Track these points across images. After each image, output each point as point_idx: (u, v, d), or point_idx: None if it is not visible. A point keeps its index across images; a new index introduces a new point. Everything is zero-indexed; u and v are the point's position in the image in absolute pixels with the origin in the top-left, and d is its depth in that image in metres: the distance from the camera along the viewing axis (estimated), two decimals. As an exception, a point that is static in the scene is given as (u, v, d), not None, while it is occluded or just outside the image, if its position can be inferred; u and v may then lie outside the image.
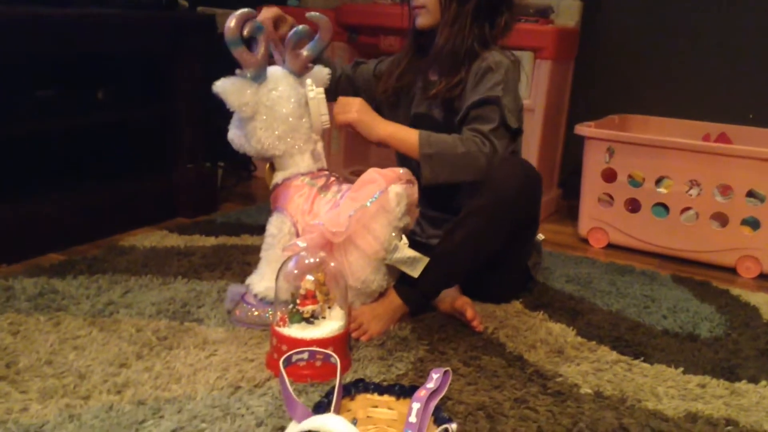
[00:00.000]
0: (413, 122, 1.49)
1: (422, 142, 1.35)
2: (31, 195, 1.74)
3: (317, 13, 1.39)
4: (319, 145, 1.41)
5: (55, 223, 1.73)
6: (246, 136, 1.35)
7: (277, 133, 1.34)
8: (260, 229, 1.91)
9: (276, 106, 1.33)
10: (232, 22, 1.25)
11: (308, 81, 1.37)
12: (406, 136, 1.38)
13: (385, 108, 1.56)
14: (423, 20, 1.46)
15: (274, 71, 1.36)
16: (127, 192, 1.93)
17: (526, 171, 1.40)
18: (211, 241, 1.83)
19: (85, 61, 1.93)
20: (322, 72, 1.41)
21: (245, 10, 1.27)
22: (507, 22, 1.47)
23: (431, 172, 1.34)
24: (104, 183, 1.92)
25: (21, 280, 1.47)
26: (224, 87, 1.29)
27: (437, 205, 1.55)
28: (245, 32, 1.28)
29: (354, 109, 1.38)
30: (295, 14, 1.38)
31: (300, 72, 1.38)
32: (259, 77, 1.32)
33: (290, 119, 1.34)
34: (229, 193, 2.37)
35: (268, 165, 1.41)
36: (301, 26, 1.37)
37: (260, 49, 1.31)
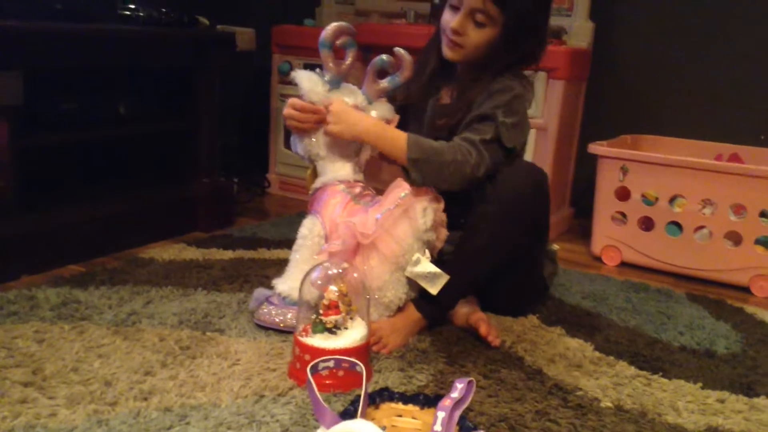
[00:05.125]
0: None
1: (410, 146, 1.34)
2: (51, 207, 1.76)
3: (403, 51, 1.43)
4: (363, 157, 1.46)
5: (74, 235, 1.75)
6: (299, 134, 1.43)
7: (327, 139, 1.41)
8: (277, 244, 1.95)
9: None
10: (330, 29, 1.37)
11: (373, 113, 1.42)
12: (394, 138, 1.36)
13: (413, 120, 1.56)
14: (454, 55, 1.43)
15: (349, 87, 1.44)
16: (145, 205, 1.95)
17: (531, 171, 1.42)
18: (228, 254, 1.85)
19: (108, 76, 1.96)
20: (388, 108, 1.46)
21: (345, 24, 1.40)
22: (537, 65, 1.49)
23: (418, 176, 1.33)
24: (122, 196, 1.94)
25: (44, 290, 1.49)
26: (302, 75, 1.40)
27: (452, 224, 1.55)
28: (337, 42, 1.39)
29: (328, 120, 1.38)
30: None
31: (373, 98, 1.45)
32: (335, 84, 1.41)
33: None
34: (243, 209, 2.39)
35: (309, 170, 1.48)
36: (386, 56, 1.43)
37: (346, 62, 1.42)
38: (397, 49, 1.44)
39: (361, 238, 1.29)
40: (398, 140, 1.36)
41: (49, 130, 1.75)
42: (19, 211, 1.63)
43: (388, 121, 1.43)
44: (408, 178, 1.34)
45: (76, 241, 1.75)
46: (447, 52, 1.44)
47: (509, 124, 1.38)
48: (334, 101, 1.39)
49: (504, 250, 1.40)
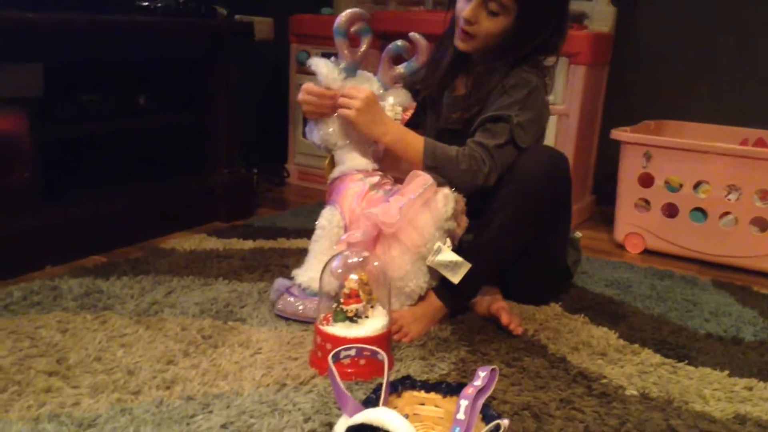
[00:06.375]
0: (443, 136, 1.48)
1: (427, 153, 1.36)
2: (73, 198, 1.77)
3: (418, 36, 1.42)
4: (380, 147, 1.45)
5: (96, 226, 1.76)
6: (316, 122, 1.42)
7: (345, 128, 1.40)
8: (296, 233, 1.95)
9: None
10: (344, 16, 1.36)
11: (390, 99, 1.41)
12: (412, 144, 1.38)
13: (429, 110, 1.55)
14: (466, 46, 1.42)
15: (365, 75, 1.43)
16: (165, 196, 1.96)
17: (551, 154, 1.41)
18: (248, 244, 1.85)
19: (128, 67, 1.97)
20: (406, 95, 1.45)
21: (359, 10, 1.38)
22: (557, 58, 1.47)
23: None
24: (143, 187, 1.95)
25: (67, 280, 1.50)
26: (318, 63, 1.40)
27: (472, 213, 1.54)
28: (352, 29, 1.38)
29: (356, 105, 1.35)
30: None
31: (388, 85, 1.44)
32: (350, 72, 1.40)
33: None
34: (262, 199, 2.39)
35: (327, 160, 1.46)
36: (401, 41, 1.42)
37: (361, 49, 1.40)
38: (412, 34, 1.42)
39: (384, 228, 1.28)
40: (415, 146, 1.37)
41: (69, 122, 1.76)
42: (42, 202, 1.64)
43: (405, 109, 1.42)
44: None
45: (98, 232, 1.76)
46: (459, 44, 1.42)
47: (524, 122, 1.37)
48: (365, 90, 1.37)
49: (524, 233, 1.38)
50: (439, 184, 1.32)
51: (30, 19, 1.52)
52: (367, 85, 1.40)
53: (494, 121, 1.37)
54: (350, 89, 1.37)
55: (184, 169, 2.11)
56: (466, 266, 1.31)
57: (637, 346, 1.35)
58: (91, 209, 1.76)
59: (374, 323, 1.21)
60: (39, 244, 1.62)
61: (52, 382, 1.09)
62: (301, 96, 1.41)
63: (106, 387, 1.09)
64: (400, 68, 1.44)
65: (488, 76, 1.41)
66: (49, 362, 1.15)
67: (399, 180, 1.39)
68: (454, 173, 1.35)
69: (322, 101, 1.39)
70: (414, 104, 1.45)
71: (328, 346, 1.16)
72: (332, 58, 1.41)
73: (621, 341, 1.37)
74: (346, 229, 1.36)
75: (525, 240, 1.39)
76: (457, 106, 1.47)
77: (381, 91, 1.42)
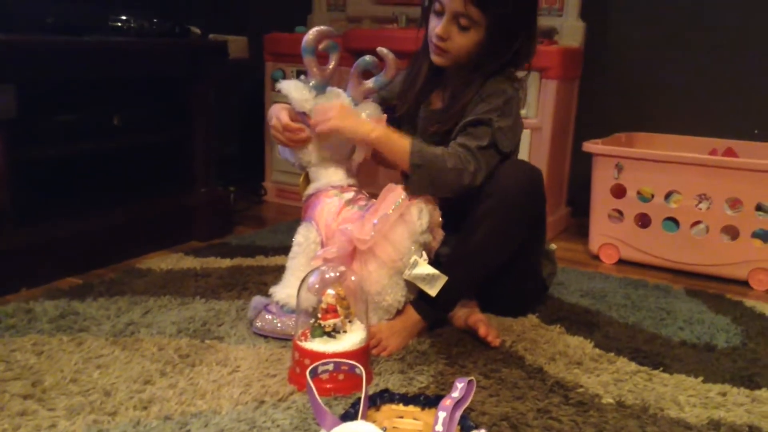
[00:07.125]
0: None
1: (413, 152, 1.34)
2: (49, 219, 1.75)
3: (386, 49, 1.44)
4: (356, 161, 1.46)
5: (71, 247, 1.74)
6: None
7: (319, 145, 1.41)
8: (275, 251, 1.95)
9: None
10: (311, 34, 1.36)
11: (363, 115, 1.42)
12: (398, 142, 1.37)
13: (406, 125, 1.56)
14: (441, 61, 1.43)
15: (335, 91, 1.44)
16: (142, 216, 1.95)
17: (527, 168, 1.43)
18: (226, 262, 1.85)
19: (103, 88, 1.96)
20: (375, 108, 1.46)
21: (326, 27, 1.39)
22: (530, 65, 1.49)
23: (417, 182, 1.33)
24: (120, 207, 1.94)
25: (42, 302, 1.49)
26: (288, 86, 1.40)
27: (448, 226, 1.55)
28: (320, 46, 1.39)
29: (332, 114, 1.36)
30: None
31: (358, 100, 1.45)
32: (320, 89, 1.40)
33: (334, 137, 1.39)
34: (240, 217, 2.39)
35: (302, 177, 1.47)
36: (369, 56, 1.43)
37: (329, 66, 1.41)
38: (380, 48, 1.44)
39: (359, 244, 1.29)
40: (401, 144, 1.36)
41: (44, 142, 1.75)
42: (16, 224, 1.63)
43: (377, 121, 1.43)
44: (406, 184, 1.34)
45: (74, 253, 1.75)
46: (434, 59, 1.44)
47: (505, 128, 1.38)
48: (333, 103, 1.39)
49: (502, 248, 1.40)
50: (419, 197, 1.33)
51: (2, 41, 1.51)
52: (337, 101, 1.41)
53: (475, 125, 1.38)
54: (318, 107, 1.38)
55: (161, 189, 2.10)
56: (443, 279, 1.32)
57: (612, 354, 1.37)
58: (66, 230, 1.74)
59: (352, 338, 1.21)
60: (14, 267, 1.60)
61: (27, 405, 1.08)
62: (274, 123, 1.43)
63: (83, 409, 1.08)
64: (369, 83, 1.46)
65: (464, 88, 1.43)
66: (24, 385, 1.14)
67: (374, 195, 1.39)
68: (440, 171, 1.33)
69: (294, 136, 1.41)
70: (384, 116, 1.46)
71: (307, 361, 1.16)
72: (302, 77, 1.42)
73: (597, 350, 1.38)
74: (322, 244, 1.37)
75: (503, 254, 1.40)
76: (434, 119, 1.48)
77: (352, 107, 1.43)
